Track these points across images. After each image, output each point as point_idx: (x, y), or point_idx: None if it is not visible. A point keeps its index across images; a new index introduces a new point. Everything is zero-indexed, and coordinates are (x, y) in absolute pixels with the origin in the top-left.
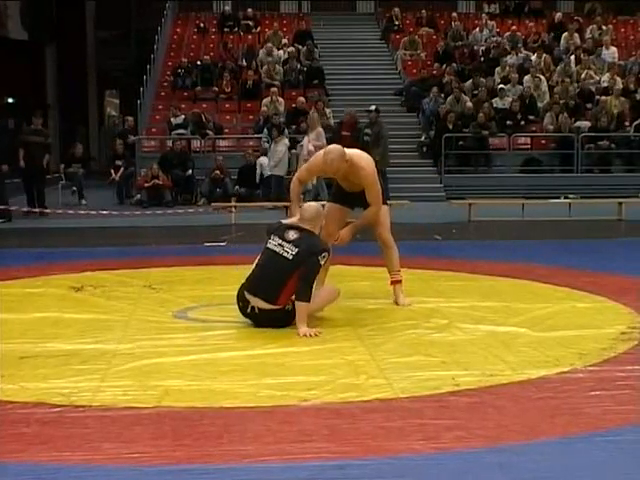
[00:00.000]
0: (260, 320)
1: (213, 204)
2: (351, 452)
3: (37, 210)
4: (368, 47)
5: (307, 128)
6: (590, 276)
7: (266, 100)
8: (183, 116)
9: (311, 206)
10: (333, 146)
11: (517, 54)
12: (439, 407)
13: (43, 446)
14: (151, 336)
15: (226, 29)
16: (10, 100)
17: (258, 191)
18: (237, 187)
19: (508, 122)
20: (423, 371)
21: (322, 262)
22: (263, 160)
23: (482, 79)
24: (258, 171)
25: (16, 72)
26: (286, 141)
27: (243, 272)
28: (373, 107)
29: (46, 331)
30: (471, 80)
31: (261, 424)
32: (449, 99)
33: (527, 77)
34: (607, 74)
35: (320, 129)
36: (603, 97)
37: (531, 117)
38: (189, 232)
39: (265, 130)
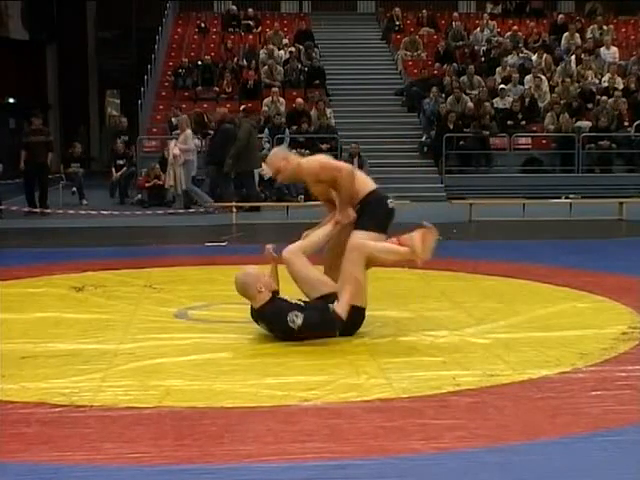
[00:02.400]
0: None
1: (213, 204)
2: (352, 452)
3: (38, 210)
4: (369, 47)
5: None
6: (591, 276)
7: (267, 100)
8: (184, 116)
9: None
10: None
11: (518, 54)
12: (440, 407)
13: (44, 446)
14: (152, 336)
15: (230, 29)
16: (11, 100)
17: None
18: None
19: (509, 122)
20: (424, 371)
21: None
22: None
23: (478, 78)
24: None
25: (17, 72)
26: (196, 141)
27: None
28: (242, 107)
29: (47, 331)
30: (466, 77)
31: (262, 424)
32: (450, 99)
33: (528, 77)
34: (608, 74)
35: (189, 131)
36: (604, 97)
37: (532, 117)
38: (190, 232)
39: (266, 130)
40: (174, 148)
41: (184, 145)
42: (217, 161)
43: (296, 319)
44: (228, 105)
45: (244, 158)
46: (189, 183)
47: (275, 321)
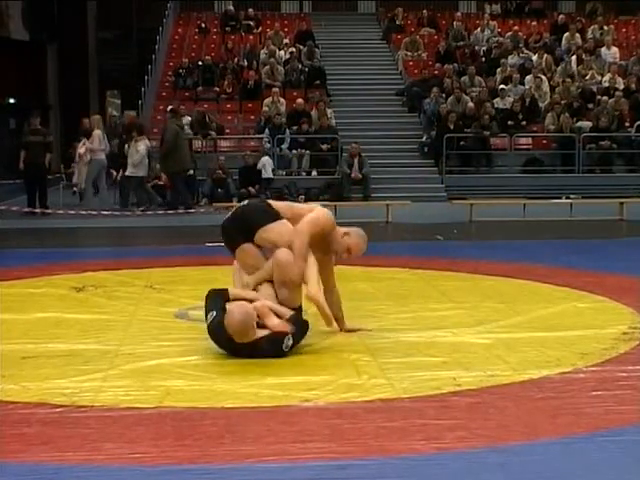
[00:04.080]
0: None
1: (214, 204)
2: (352, 452)
3: (38, 210)
4: (369, 47)
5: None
6: (591, 276)
7: (267, 100)
8: (189, 118)
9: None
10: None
11: (518, 54)
12: (440, 407)
13: (45, 446)
14: (153, 336)
15: (228, 28)
16: (11, 100)
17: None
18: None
19: (509, 122)
20: (424, 371)
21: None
22: (265, 160)
23: (479, 78)
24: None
25: (17, 72)
26: (147, 142)
27: None
28: (169, 108)
29: (48, 331)
30: (466, 77)
31: (262, 424)
32: (450, 99)
33: (529, 77)
34: (608, 74)
35: (98, 131)
36: (604, 97)
37: (533, 117)
38: (190, 232)
39: (267, 130)
40: (80, 147)
41: (92, 145)
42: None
43: (288, 342)
44: (229, 105)
45: (172, 159)
46: (89, 181)
47: (270, 349)
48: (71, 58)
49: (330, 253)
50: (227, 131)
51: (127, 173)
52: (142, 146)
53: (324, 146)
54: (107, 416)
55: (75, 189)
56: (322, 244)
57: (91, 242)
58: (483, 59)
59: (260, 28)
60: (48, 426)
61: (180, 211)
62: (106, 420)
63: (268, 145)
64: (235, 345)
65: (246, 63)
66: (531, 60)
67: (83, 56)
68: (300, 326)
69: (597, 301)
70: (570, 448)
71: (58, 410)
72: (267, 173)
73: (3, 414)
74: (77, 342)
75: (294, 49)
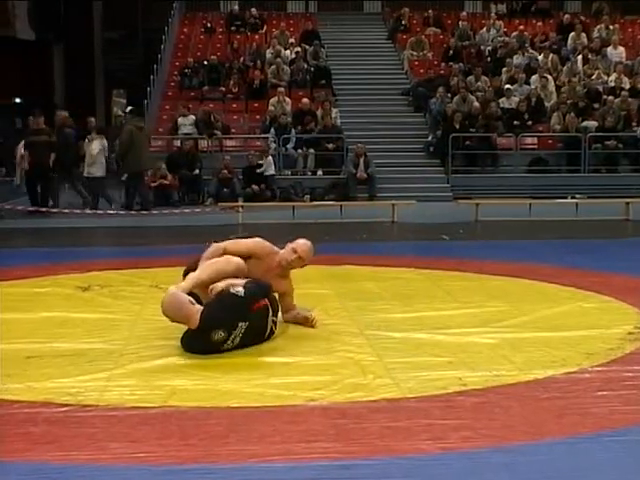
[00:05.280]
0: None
1: (220, 204)
2: (358, 452)
3: (43, 210)
4: (375, 47)
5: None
6: (597, 276)
7: (273, 100)
8: (193, 117)
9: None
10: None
11: (524, 54)
12: (446, 407)
13: (50, 445)
14: (158, 336)
15: (233, 28)
16: (17, 100)
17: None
18: (253, 187)
19: (515, 122)
20: (430, 371)
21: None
22: (269, 159)
23: (485, 77)
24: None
25: (23, 72)
26: (104, 141)
27: None
28: (128, 109)
29: (53, 331)
30: (472, 76)
31: (267, 424)
32: (456, 99)
33: (534, 77)
34: (614, 74)
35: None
36: (610, 97)
37: (538, 117)
38: (196, 232)
39: (272, 130)
40: (21, 148)
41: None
42: (63, 165)
43: (237, 288)
44: (234, 105)
45: (130, 160)
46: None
47: (223, 303)
48: (77, 58)
49: (287, 275)
50: (233, 131)
51: (85, 174)
52: (96, 146)
53: (330, 145)
54: (112, 415)
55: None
56: (274, 268)
57: (96, 241)
58: (489, 59)
59: (266, 28)
60: (53, 425)
61: (133, 212)
62: (111, 419)
63: (274, 145)
64: (198, 333)
65: (252, 63)
66: (537, 60)
67: (89, 56)
68: (253, 281)
69: (603, 301)
70: (575, 448)
71: (63, 409)
72: (269, 171)
73: (8, 413)
74: (82, 341)
75: (300, 49)
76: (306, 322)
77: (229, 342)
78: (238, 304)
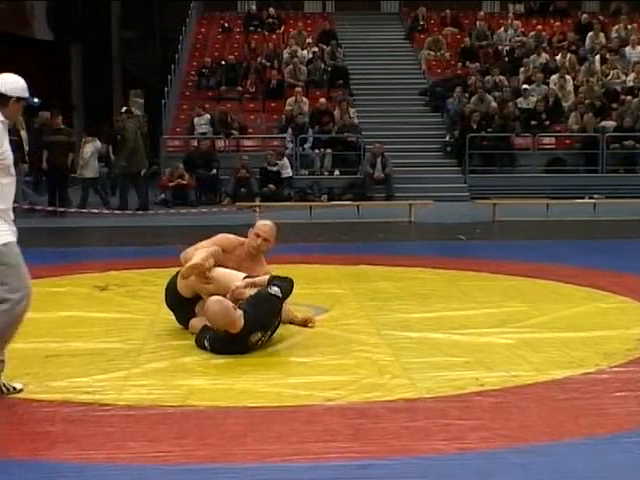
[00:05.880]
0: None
1: (237, 203)
2: (375, 452)
3: (61, 209)
4: (392, 47)
5: None
6: (614, 276)
7: (290, 100)
8: (208, 116)
9: None
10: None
11: (542, 54)
12: (463, 407)
13: (68, 444)
14: (175, 335)
15: (251, 28)
16: (35, 100)
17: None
18: (270, 187)
19: (533, 122)
20: (447, 371)
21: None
22: (285, 161)
23: (502, 77)
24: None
25: (41, 72)
26: (97, 143)
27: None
28: (124, 109)
29: (71, 330)
30: (490, 76)
31: (285, 424)
32: (473, 99)
33: (554, 77)
34: (633, 74)
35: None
36: (629, 97)
37: (556, 116)
38: (213, 232)
39: (289, 130)
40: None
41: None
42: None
43: (273, 287)
44: (252, 105)
45: (131, 160)
46: None
47: (259, 301)
48: (95, 58)
49: (259, 260)
50: (250, 130)
51: (77, 175)
52: (88, 148)
53: (347, 137)
54: (130, 415)
55: None
56: (245, 258)
57: (114, 241)
58: (506, 59)
59: (283, 28)
60: (71, 424)
61: (129, 212)
62: (129, 419)
63: (291, 145)
64: (238, 337)
65: (269, 63)
66: (554, 59)
67: (106, 56)
68: (279, 277)
69: (620, 301)
70: (592, 449)
71: (81, 408)
72: (286, 173)
73: (27, 412)
74: (100, 341)
75: (317, 48)
76: (305, 323)
77: (260, 342)
78: (275, 304)
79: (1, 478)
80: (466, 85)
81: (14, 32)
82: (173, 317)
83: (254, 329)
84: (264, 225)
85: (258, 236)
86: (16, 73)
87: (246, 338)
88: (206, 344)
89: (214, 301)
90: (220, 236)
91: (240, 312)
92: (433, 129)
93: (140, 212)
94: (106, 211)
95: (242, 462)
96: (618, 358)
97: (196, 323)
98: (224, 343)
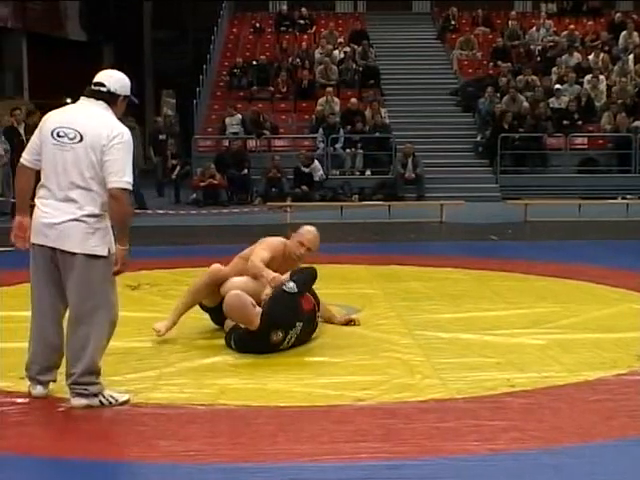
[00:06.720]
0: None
1: (268, 203)
2: (406, 452)
3: None
4: (424, 47)
5: None
6: None
7: (322, 100)
8: (239, 116)
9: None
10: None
11: (574, 54)
12: (494, 408)
13: (100, 443)
14: (206, 335)
15: (282, 28)
16: (68, 100)
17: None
18: (302, 188)
19: (565, 122)
20: (478, 372)
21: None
22: (317, 164)
23: (534, 77)
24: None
25: (75, 73)
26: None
27: None
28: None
29: None
30: (522, 76)
31: (316, 424)
32: (505, 99)
33: (588, 77)
34: None
35: None
36: None
37: (589, 116)
38: (244, 231)
39: (320, 130)
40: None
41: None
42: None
43: (289, 284)
44: (283, 105)
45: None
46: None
47: (277, 299)
48: (127, 58)
49: (296, 265)
50: (281, 130)
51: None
52: None
53: (377, 134)
54: (162, 414)
55: None
56: (284, 261)
57: (146, 241)
58: (538, 58)
59: (314, 28)
60: (104, 423)
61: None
62: (161, 418)
63: (322, 145)
64: (258, 335)
65: (300, 63)
66: (587, 59)
67: (139, 56)
68: (300, 270)
69: None
70: (624, 451)
71: (114, 408)
72: (317, 177)
73: (62, 410)
74: (132, 340)
75: (348, 48)
76: (346, 323)
77: (285, 342)
78: (290, 301)
79: (32, 475)
80: (498, 85)
81: (48, 33)
82: (204, 316)
83: (272, 327)
84: (309, 233)
85: (302, 244)
86: (50, 73)
87: (266, 337)
88: (232, 343)
89: (233, 295)
90: (271, 244)
91: (259, 310)
92: (464, 129)
93: (138, 211)
94: (137, 211)
95: (273, 462)
96: None
97: (231, 322)
98: (246, 341)
